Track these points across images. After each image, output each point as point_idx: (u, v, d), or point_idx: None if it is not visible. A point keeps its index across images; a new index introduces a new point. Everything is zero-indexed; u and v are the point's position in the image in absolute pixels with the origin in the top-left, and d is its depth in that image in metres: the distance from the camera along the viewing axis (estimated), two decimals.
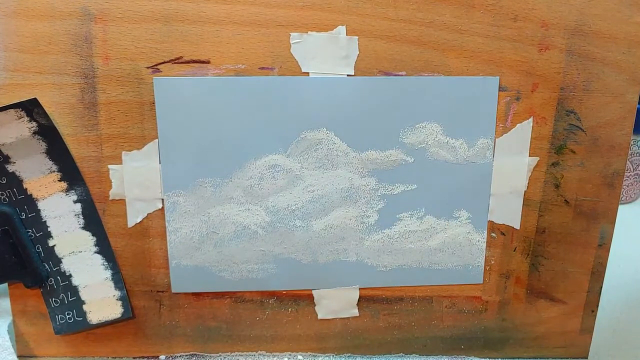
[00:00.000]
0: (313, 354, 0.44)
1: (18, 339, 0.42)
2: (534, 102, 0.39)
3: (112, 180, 0.38)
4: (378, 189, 0.40)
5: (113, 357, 0.43)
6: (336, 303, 0.42)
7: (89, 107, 0.37)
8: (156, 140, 0.38)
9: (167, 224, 0.39)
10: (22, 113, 0.36)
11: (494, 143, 0.39)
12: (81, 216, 0.39)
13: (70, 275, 0.40)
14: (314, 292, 0.42)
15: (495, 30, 0.37)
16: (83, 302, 0.40)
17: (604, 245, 0.42)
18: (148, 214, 0.39)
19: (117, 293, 0.40)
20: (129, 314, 0.41)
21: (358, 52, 0.37)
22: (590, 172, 0.40)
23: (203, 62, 0.37)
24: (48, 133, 0.37)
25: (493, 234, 0.41)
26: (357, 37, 0.37)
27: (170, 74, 0.37)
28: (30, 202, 0.38)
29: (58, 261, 0.39)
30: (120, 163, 0.38)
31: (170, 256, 0.40)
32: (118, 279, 0.40)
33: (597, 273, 0.43)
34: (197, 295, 0.42)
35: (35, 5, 0.35)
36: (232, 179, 0.39)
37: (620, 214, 0.42)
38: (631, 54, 0.38)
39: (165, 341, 0.43)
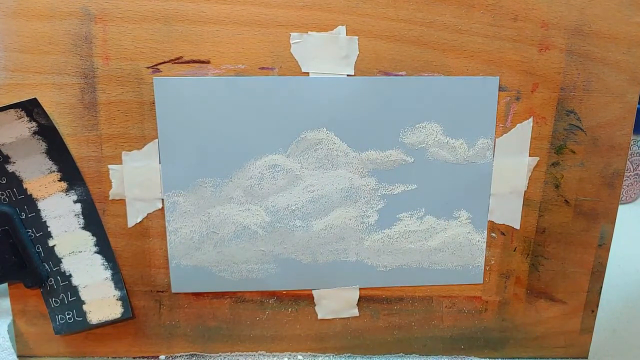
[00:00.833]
0: (313, 354, 0.44)
1: (18, 339, 0.42)
2: (534, 102, 0.39)
3: (112, 180, 0.38)
4: (378, 189, 0.40)
5: (113, 357, 0.43)
6: (336, 303, 0.42)
7: (89, 107, 0.37)
8: (156, 140, 0.38)
9: (167, 224, 0.39)
10: (22, 113, 0.36)
11: (494, 143, 0.39)
12: (81, 216, 0.39)
13: (70, 275, 0.40)
14: (314, 292, 0.42)
15: (495, 30, 0.37)
16: (83, 302, 0.40)
17: (604, 245, 0.42)
18: (148, 214, 0.39)
19: (117, 293, 0.40)
20: (129, 314, 0.41)
21: (358, 52, 0.37)
22: (590, 172, 0.40)
23: (203, 62, 0.37)
24: (48, 133, 0.37)
25: (493, 234, 0.41)
26: (357, 37, 0.37)
27: (170, 74, 0.37)
28: (30, 202, 0.38)
29: (58, 261, 0.39)
30: (120, 163, 0.38)
31: (170, 256, 0.40)
32: (118, 279, 0.40)
33: (597, 273, 0.43)
34: (197, 295, 0.42)
35: (35, 5, 0.35)
36: (232, 179, 0.39)
37: (620, 214, 0.42)
38: (631, 54, 0.38)
39: (165, 341, 0.43)
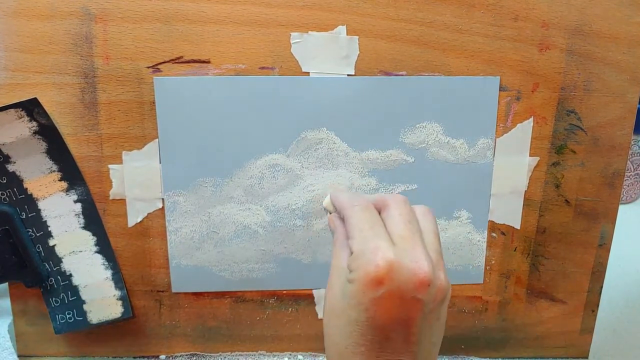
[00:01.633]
0: (313, 354, 0.44)
1: (18, 339, 0.42)
2: (535, 102, 0.39)
3: (113, 180, 0.38)
4: (378, 188, 0.40)
5: (113, 357, 0.43)
6: None
7: (89, 106, 0.37)
8: (156, 140, 0.38)
9: (167, 223, 0.39)
10: (23, 113, 0.36)
11: (495, 143, 0.39)
12: (81, 216, 0.39)
13: (70, 275, 0.40)
14: (314, 291, 0.42)
15: (496, 30, 0.37)
16: (83, 302, 0.40)
17: (604, 245, 0.42)
18: (148, 214, 0.39)
19: (117, 293, 0.40)
20: (129, 313, 0.41)
21: (358, 52, 0.37)
22: (590, 172, 0.40)
23: (203, 61, 0.37)
24: (48, 133, 0.37)
25: (493, 234, 0.41)
26: (357, 37, 0.37)
27: (170, 73, 0.37)
28: (30, 202, 0.38)
29: (58, 261, 0.39)
30: (121, 163, 0.38)
31: (170, 256, 0.40)
32: (118, 279, 0.40)
33: (597, 273, 0.43)
34: (197, 295, 0.41)
35: (35, 5, 0.35)
36: (233, 178, 0.39)
37: (620, 214, 0.42)
38: (631, 54, 0.38)
39: (165, 341, 0.43)
